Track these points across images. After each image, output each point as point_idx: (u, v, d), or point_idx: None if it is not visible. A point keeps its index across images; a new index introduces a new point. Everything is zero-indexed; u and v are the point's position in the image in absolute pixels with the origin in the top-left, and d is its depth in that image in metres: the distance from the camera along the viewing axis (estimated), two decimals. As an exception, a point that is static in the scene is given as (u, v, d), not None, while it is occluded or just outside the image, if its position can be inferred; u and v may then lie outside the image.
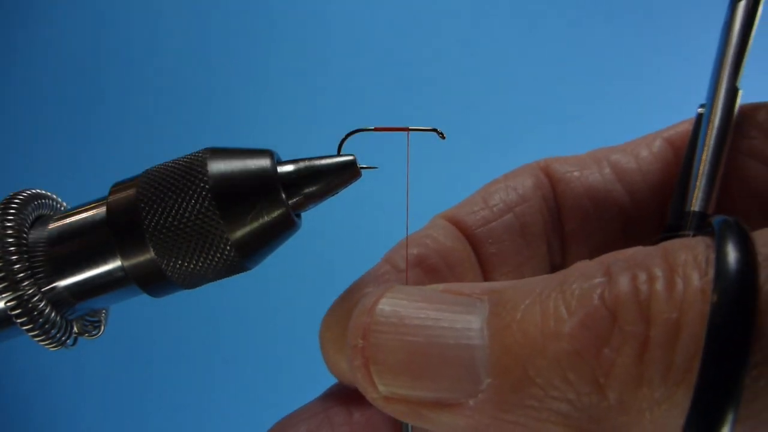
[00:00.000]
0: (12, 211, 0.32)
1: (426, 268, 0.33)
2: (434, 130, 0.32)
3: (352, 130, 0.32)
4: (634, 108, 1.11)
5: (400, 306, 0.24)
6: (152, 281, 0.31)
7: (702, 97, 0.34)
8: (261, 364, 1.05)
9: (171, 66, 1.15)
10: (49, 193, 0.36)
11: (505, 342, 0.22)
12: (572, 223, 0.36)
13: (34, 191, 0.35)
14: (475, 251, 0.35)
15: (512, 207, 0.35)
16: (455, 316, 0.23)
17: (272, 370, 1.03)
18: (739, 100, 0.34)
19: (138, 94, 1.14)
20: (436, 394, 0.22)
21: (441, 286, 0.25)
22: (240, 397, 1.05)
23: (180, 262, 0.30)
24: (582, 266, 0.23)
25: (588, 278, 0.22)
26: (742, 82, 0.33)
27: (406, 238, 0.35)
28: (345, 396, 0.31)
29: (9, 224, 0.32)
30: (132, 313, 0.78)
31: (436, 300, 0.24)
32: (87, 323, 0.36)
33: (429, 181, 0.99)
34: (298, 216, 0.32)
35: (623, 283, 0.21)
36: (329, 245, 1.05)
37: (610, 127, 1.10)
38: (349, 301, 0.32)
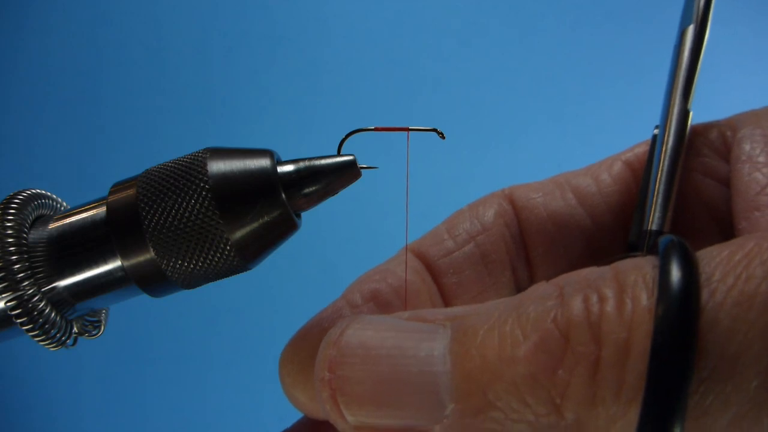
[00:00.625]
0: (12, 211, 0.32)
1: (380, 303, 0.34)
2: (434, 130, 0.32)
3: (352, 130, 0.32)
4: (634, 109, 1.11)
5: (366, 336, 0.24)
6: (152, 281, 0.31)
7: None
8: (261, 365, 1.05)
9: (171, 66, 1.15)
10: (49, 193, 0.36)
11: (465, 367, 0.22)
12: (538, 247, 0.37)
13: (34, 191, 0.35)
14: (436, 282, 0.36)
15: (474, 236, 0.36)
16: (419, 343, 0.23)
17: (272, 371, 1.03)
18: (691, 121, 0.35)
19: (138, 94, 1.14)
20: (402, 421, 0.23)
21: (407, 314, 0.26)
22: (240, 397, 1.05)
23: (180, 262, 0.30)
24: (538, 289, 0.23)
25: (543, 301, 0.22)
26: (693, 103, 0.35)
27: (406, 238, 0.35)
28: (311, 428, 0.33)
29: (9, 224, 0.32)
30: (132, 313, 0.78)
31: (401, 329, 0.24)
32: (87, 323, 0.36)
33: (429, 181, 0.99)
34: (298, 216, 0.32)
35: (575, 304, 0.21)
36: (329, 245, 1.05)
37: (609, 127, 1.10)
38: (304, 338, 0.32)
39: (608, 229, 0.37)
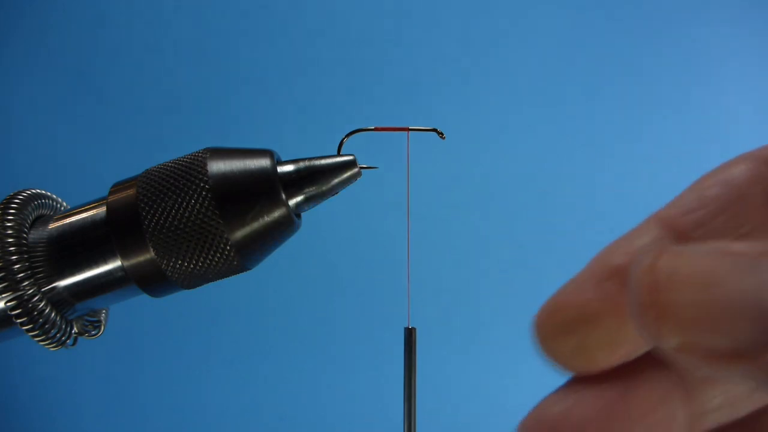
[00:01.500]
0: (12, 211, 0.32)
1: (623, 281, 0.31)
2: (434, 130, 0.32)
3: (352, 130, 0.32)
4: (634, 108, 1.11)
5: (680, 265, 0.23)
6: (152, 281, 0.31)
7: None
8: (260, 364, 1.05)
9: (171, 65, 1.15)
10: (49, 193, 0.36)
11: None
12: None
13: (34, 191, 0.35)
14: None
15: (726, 207, 0.32)
16: (744, 276, 0.22)
17: (272, 370, 1.03)
18: None
19: (138, 93, 1.14)
20: (734, 344, 0.22)
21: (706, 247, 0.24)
22: (239, 397, 1.05)
23: (180, 262, 0.30)
24: None
25: None
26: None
27: (407, 238, 0.35)
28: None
29: (9, 224, 0.32)
30: (132, 313, 0.78)
31: (719, 260, 0.23)
32: (87, 323, 0.36)
33: (429, 181, 0.99)
34: (298, 216, 0.32)
35: None
36: (329, 245, 1.05)
37: (609, 127, 1.10)
38: (565, 293, 0.30)
39: None
